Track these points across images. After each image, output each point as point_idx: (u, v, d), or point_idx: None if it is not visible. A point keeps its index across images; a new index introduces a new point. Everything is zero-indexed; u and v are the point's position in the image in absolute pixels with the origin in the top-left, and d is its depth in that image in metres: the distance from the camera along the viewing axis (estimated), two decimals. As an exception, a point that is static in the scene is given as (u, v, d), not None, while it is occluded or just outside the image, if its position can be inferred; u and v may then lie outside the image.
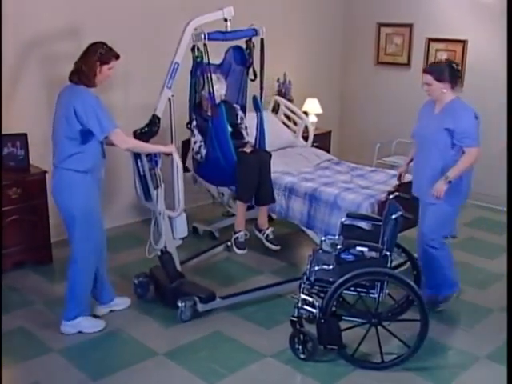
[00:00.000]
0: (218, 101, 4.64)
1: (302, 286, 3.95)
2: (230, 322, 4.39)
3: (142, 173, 4.26)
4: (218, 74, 4.84)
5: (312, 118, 7.00)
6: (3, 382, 3.76)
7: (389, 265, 3.80)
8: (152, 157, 4.23)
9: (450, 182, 4.09)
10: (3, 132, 4.86)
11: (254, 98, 4.84)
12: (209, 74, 4.44)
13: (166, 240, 4.39)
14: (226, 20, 4.41)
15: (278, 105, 6.70)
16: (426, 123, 4.31)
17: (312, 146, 6.54)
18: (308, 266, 4.03)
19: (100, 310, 4.42)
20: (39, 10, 5.06)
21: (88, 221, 4.01)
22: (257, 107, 4.84)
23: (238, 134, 5.00)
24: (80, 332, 4.18)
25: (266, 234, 4.96)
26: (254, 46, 4.75)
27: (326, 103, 7.37)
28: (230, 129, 4.78)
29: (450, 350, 4.10)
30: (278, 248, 4.95)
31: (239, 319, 4.42)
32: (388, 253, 3.79)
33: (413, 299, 3.85)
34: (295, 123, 6.66)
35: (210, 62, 4.45)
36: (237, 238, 4.89)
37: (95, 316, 4.35)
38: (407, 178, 4.76)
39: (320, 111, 7.19)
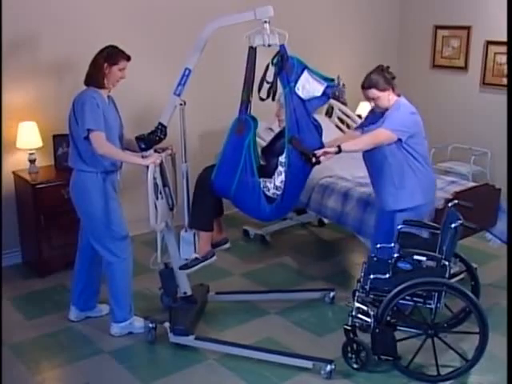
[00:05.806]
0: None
1: (357, 294, 3.86)
2: (281, 327, 4.34)
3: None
4: None
5: (366, 122, 6.88)
6: (56, 381, 3.84)
7: (447, 275, 3.69)
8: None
9: (339, 151, 3.84)
10: (62, 132, 4.82)
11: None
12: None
13: (172, 256, 4.22)
14: (265, 22, 3.72)
15: (332, 108, 6.61)
16: None
17: (366, 150, 6.41)
18: (362, 274, 3.96)
19: (75, 313, 4.39)
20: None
21: (108, 222, 3.99)
22: None
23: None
24: (130, 333, 4.20)
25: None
26: (281, 56, 3.73)
27: (380, 107, 7.23)
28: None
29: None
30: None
31: (291, 325, 4.37)
32: (446, 263, 3.67)
33: (471, 310, 3.73)
34: (349, 127, 6.55)
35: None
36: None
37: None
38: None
39: (374, 115, 7.05)
